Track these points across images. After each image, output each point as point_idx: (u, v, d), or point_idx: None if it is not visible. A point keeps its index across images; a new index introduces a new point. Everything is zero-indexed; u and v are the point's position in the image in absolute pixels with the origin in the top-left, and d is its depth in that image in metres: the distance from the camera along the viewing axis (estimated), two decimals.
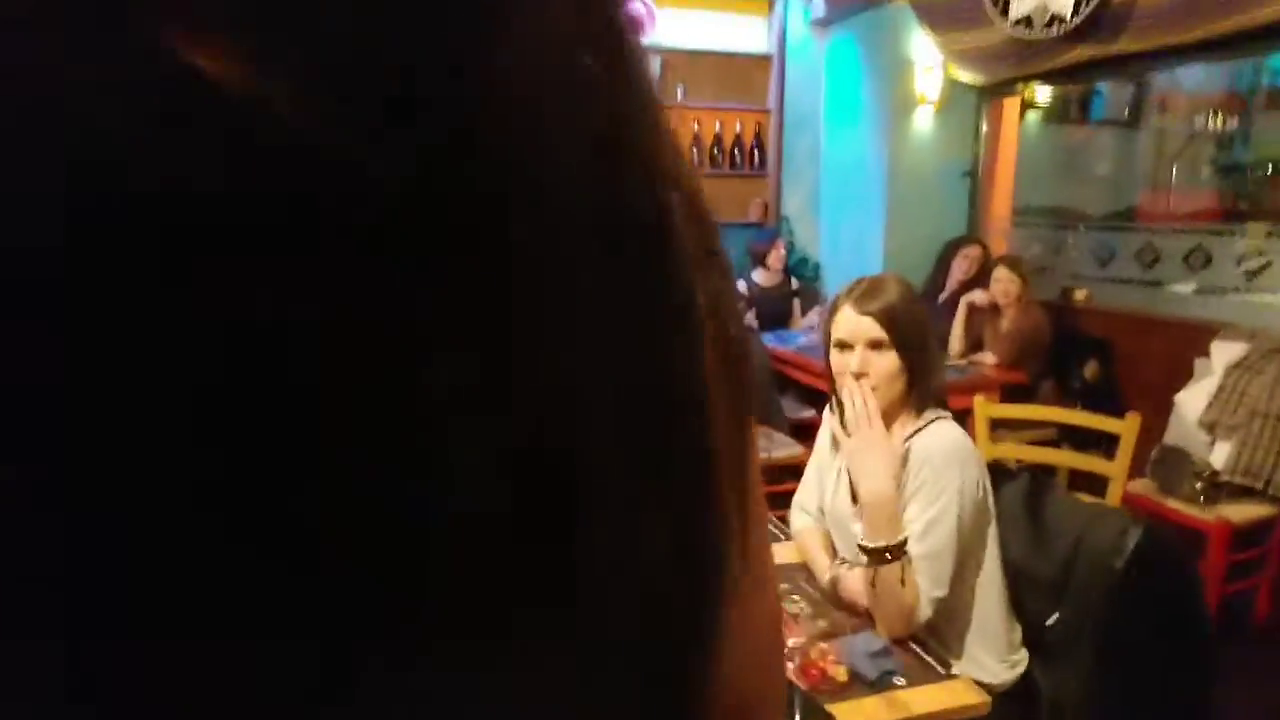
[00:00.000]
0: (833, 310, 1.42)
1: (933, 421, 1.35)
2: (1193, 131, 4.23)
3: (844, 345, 1.36)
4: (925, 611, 1.24)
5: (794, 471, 3.40)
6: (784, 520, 1.79)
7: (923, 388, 1.36)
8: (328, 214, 0.08)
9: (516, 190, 0.09)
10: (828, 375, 1.42)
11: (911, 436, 1.34)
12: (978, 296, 3.43)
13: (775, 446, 3.26)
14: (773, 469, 3.35)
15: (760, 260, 4.14)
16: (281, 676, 0.08)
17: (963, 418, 2.55)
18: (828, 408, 1.49)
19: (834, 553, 1.46)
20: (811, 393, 3.55)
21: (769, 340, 3.72)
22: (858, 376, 1.33)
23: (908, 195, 4.05)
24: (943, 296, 3.77)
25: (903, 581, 1.22)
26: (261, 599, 0.08)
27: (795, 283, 4.23)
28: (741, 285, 4.12)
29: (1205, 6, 2.62)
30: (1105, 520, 1.48)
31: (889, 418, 1.34)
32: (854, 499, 1.37)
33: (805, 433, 3.56)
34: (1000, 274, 3.34)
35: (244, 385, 0.08)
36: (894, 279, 1.40)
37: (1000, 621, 1.35)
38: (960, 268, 3.75)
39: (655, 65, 4.33)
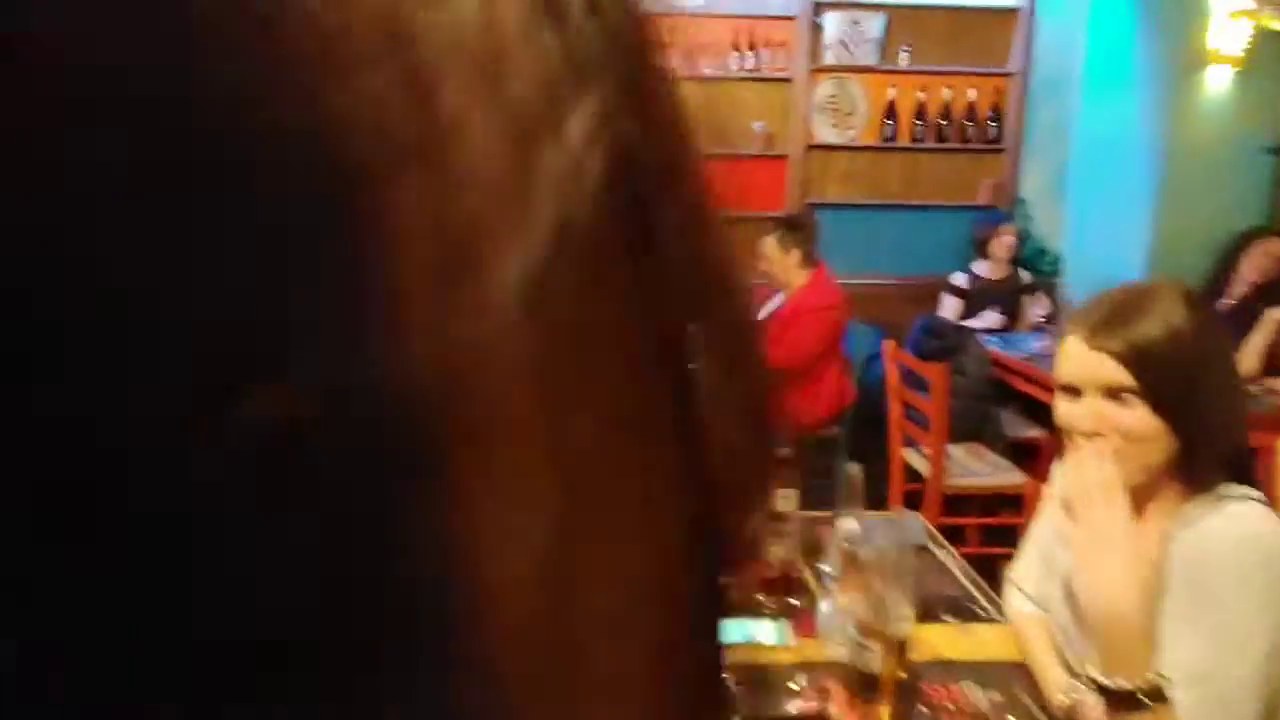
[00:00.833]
0: (1062, 338, 1.02)
1: (1222, 503, 0.92)
2: None
3: (1071, 391, 0.97)
4: None
5: (1012, 502, 2.89)
6: (986, 572, 1.39)
7: (1203, 455, 0.93)
8: None
9: None
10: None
11: (1180, 526, 0.92)
12: None
13: (989, 470, 2.77)
14: (984, 498, 2.85)
15: (982, 248, 3.55)
16: None
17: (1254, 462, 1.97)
18: (1053, 466, 1.10)
19: (1067, 662, 1.06)
20: (1038, 407, 2.99)
21: (992, 343, 3.19)
22: (1090, 436, 0.93)
23: (1187, 175, 3.31)
24: (1226, 301, 3.04)
25: None
26: None
27: (1026, 276, 3.61)
28: (960, 278, 3.57)
29: None
30: None
31: (1142, 498, 0.93)
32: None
33: (1027, 455, 3.02)
34: None
35: None
36: (1165, 293, 0.96)
37: None
38: (1256, 267, 3.01)
39: (880, 24, 3.85)
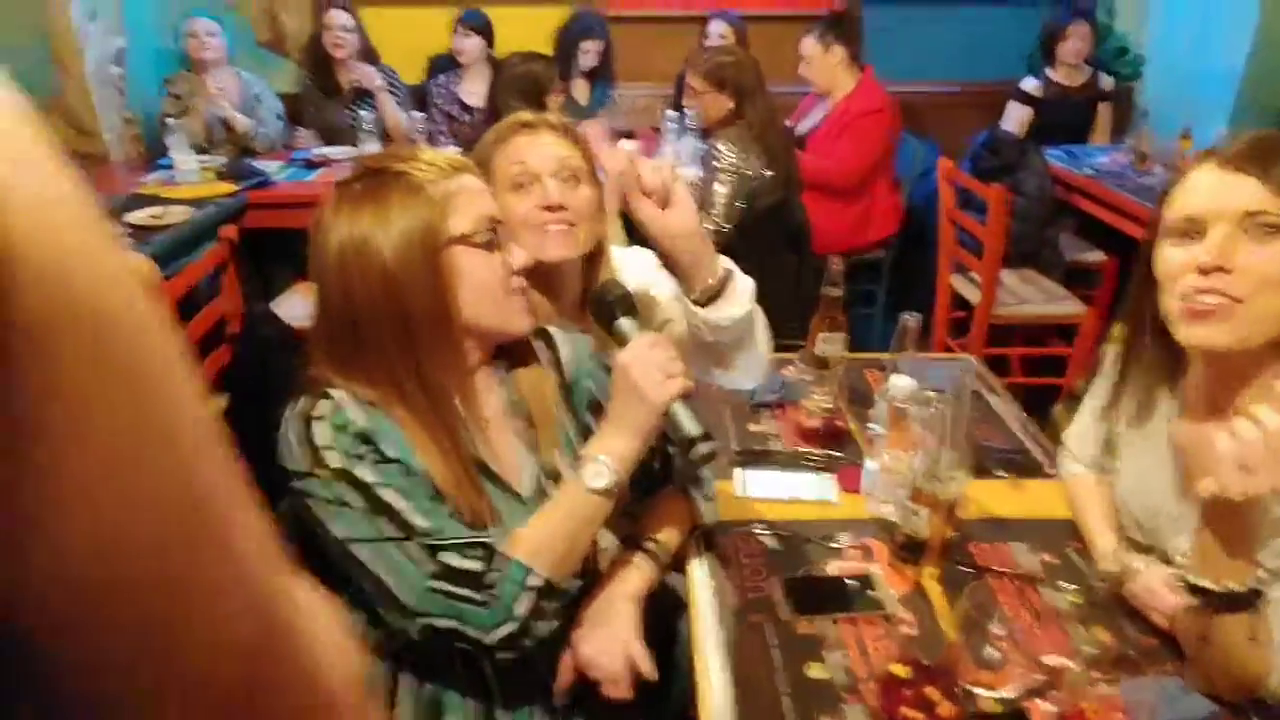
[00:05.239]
0: (1183, 173, 0.88)
1: None
2: None
3: (1190, 230, 0.84)
4: None
5: (1065, 334, 2.77)
6: (1034, 425, 1.32)
7: None
8: None
9: None
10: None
11: None
12: None
13: (1043, 299, 2.64)
14: (1034, 328, 2.74)
15: (1049, 52, 3.16)
16: None
17: None
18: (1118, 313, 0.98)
19: (1119, 527, 1.01)
20: (1102, 230, 2.80)
21: (1055, 157, 2.94)
22: (1209, 273, 0.82)
23: None
24: None
25: (1255, 638, 0.77)
26: None
27: (1108, 82, 3.25)
28: (1031, 83, 3.23)
29: None
30: None
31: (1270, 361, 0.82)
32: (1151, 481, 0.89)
33: (1085, 281, 2.87)
34: None
35: None
36: None
37: None
38: None
39: None
